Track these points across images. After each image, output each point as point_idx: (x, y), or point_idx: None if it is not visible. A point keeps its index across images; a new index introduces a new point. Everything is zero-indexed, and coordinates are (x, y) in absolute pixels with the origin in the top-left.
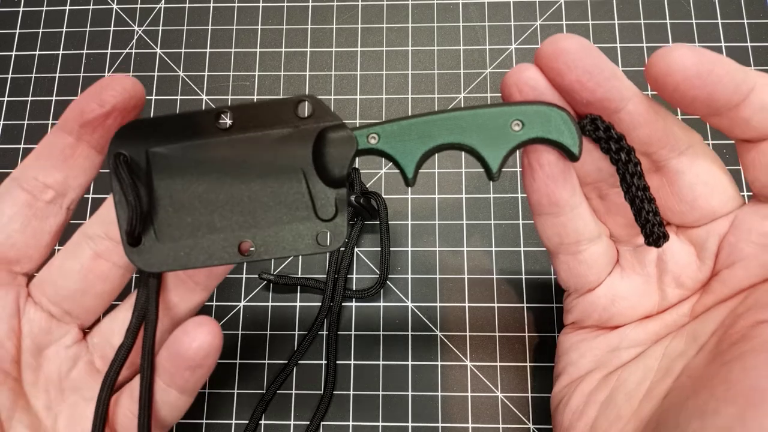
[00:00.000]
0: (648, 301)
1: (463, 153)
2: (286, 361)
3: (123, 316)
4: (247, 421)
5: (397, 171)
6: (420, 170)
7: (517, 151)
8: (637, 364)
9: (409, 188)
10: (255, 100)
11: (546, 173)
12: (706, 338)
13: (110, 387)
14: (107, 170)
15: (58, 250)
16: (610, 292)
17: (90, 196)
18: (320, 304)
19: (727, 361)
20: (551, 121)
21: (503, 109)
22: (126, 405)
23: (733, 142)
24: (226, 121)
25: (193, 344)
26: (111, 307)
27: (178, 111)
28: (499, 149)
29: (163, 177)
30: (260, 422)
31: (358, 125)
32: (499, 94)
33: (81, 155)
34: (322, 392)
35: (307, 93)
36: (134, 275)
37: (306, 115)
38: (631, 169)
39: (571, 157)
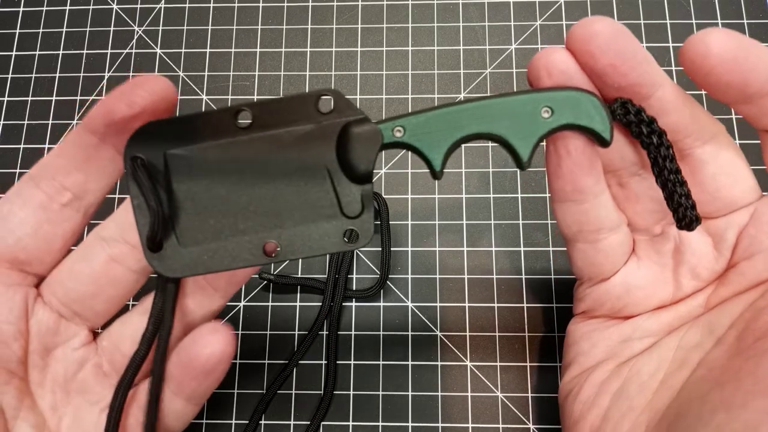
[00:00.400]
0: (662, 291)
1: (462, 152)
2: (286, 361)
3: (135, 320)
4: (247, 421)
5: (397, 171)
6: (419, 170)
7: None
8: (651, 354)
9: (409, 188)
10: (280, 94)
11: (573, 160)
12: (723, 330)
13: (124, 395)
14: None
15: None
16: (625, 281)
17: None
18: (320, 304)
19: (752, 355)
20: (581, 107)
21: (532, 95)
22: (132, 412)
23: (755, 142)
24: (246, 119)
25: (205, 351)
26: (125, 307)
27: (196, 111)
28: (530, 137)
29: (183, 179)
30: (260, 422)
31: (382, 119)
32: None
33: (104, 157)
34: (322, 392)
35: (328, 87)
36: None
37: (328, 110)
38: (663, 153)
39: (603, 142)
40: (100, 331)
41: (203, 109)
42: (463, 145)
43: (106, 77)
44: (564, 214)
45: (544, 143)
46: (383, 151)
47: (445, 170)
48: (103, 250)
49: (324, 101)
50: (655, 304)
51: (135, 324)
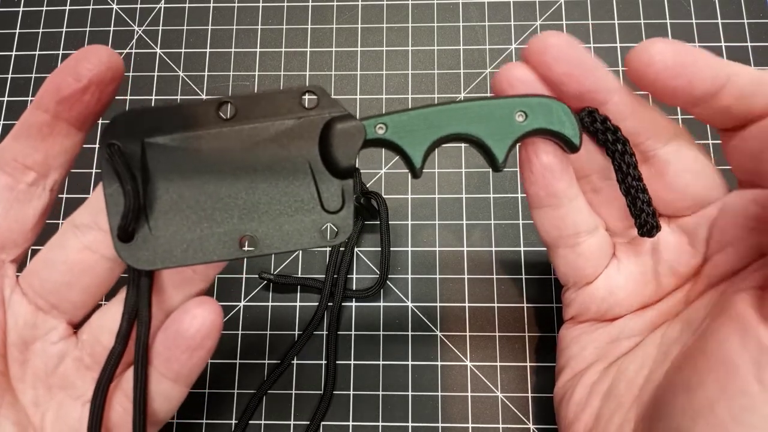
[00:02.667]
0: (645, 290)
1: (462, 152)
2: (280, 361)
3: (114, 311)
4: (247, 422)
5: (397, 171)
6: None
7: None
8: (636, 352)
9: (409, 188)
10: (261, 89)
11: (543, 165)
12: (699, 322)
13: (103, 393)
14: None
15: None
16: (608, 284)
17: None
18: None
19: (704, 334)
20: (553, 113)
21: (507, 100)
22: (117, 400)
23: (717, 142)
24: (229, 112)
25: (194, 322)
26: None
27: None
28: (505, 139)
29: (160, 168)
30: (260, 422)
31: (361, 117)
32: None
33: (60, 133)
34: (322, 392)
35: (312, 84)
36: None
37: (311, 106)
38: (626, 160)
39: (572, 147)
40: (76, 331)
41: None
42: (462, 146)
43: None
44: (542, 220)
45: (517, 149)
46: (383, 151)
47: (445, 170)
48: (77, 238)
49: (308, 97)
50: (638, 304)
51: (114, 315)
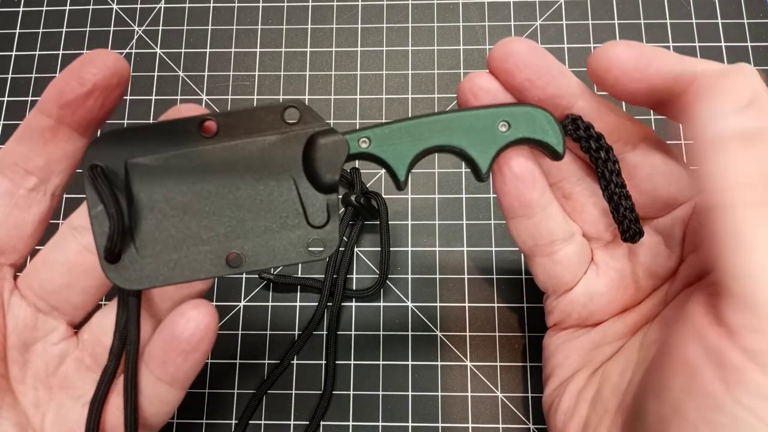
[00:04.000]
0: (624, 294)
1: None
2: (280, 361)
3: (114, 313)
4: (248, 422)
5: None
6: (420, 170)
7: None
8: (619, 357)
9: (409, 188)
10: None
11: (515, 175)
12: (675, 322)
13: (98, 409)
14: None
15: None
16: (588, 289)
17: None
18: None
19: (667, 339)
20: (536, 122)
21: (490, 110)
22: (115, 403)
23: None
24: (211, 129)
25: (189, 325)
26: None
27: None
28: (488, 150)
29: (144, 189)
30: (260, 422)
31: (345, 130)
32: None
33: (62, 138)
34: (321, 392)
35: (294, 98)
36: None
37: (294, 120)
38: (610, 167)
39: (556, 156)
40: (77, 331)
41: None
42: None
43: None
44: (517, 230)
45: None
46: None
47: (445, 170)
48: (75, 240)
49: (290, 112)
50: (619, 308)
51: (114, 316)
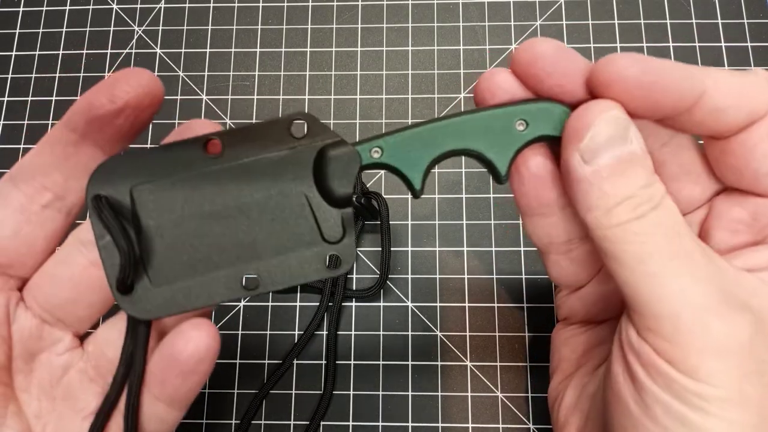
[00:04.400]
0: None
1: None
2: (282, 362)
3: (120, 327)
4: (251, 422)
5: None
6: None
7: None
8: None
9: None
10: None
11: (534, 175)
12: None
13: (102, 423)
14: None
15: None
16: (600, 288)
17: None
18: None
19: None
20: (555, 117)
21: (506, 109)
22: (115, 420)
23: None
24: (216, 149)
25: (188, 346)
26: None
27: (160, 144)
28: (506, 151)
29: (152, 215)
30: (260, 422)
31: (357, 141)
32: None
33: (85, 154)
34: (321, 392)
35: (300, 111)
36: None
37: (301, 134)
38: None
39: None
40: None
41: (172, 141)
42: None
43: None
44: (534, 228)
45: None
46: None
47: (445, 170)
48: (82, 255)
49: (297, 126)
50: None
51: (120, 331)
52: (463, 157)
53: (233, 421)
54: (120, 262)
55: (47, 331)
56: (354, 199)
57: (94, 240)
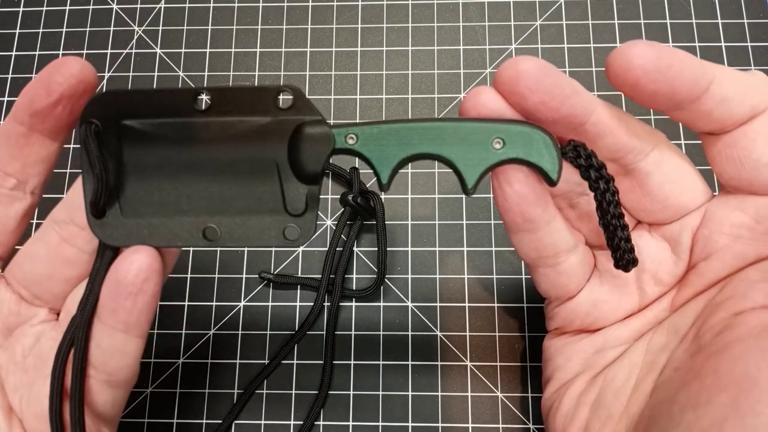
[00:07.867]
0: (628, 301)
1: None
2: (284, 361)
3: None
4: (248, 422)
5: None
6: (420, 170)
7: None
8: (622, 361)
9: (409, 188)
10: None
11: (517, 192)
12: (686, 329)
13: (63, 361)
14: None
15: None
16: (591, 297)
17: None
18: (319, 303)
19: (714, 352)
20: (533, 144)
21: (486, 125)
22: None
23: (700, 142)
24: (204, 101)
25: (131, 267)
26: None
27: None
28: (477, 166)
29: (134, 152)
30: (260, 422)
31: (334, 122)
32: None
33: (35, 143)
34: (317, 392)
35: (289, 83)
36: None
37: (287, 106)
38: (608, 198)
39: (549, 182)
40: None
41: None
42: None
43: (106, 77)
44: (520, 244)
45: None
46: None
47: (445, 170)
48: (55, 232)
49: (284, 97)
50: (622, 314)
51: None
52: None
53: (233, 422)
54: (93, 186)
55: (24, 307)
56: (351, 198)
57: (81, 165)
